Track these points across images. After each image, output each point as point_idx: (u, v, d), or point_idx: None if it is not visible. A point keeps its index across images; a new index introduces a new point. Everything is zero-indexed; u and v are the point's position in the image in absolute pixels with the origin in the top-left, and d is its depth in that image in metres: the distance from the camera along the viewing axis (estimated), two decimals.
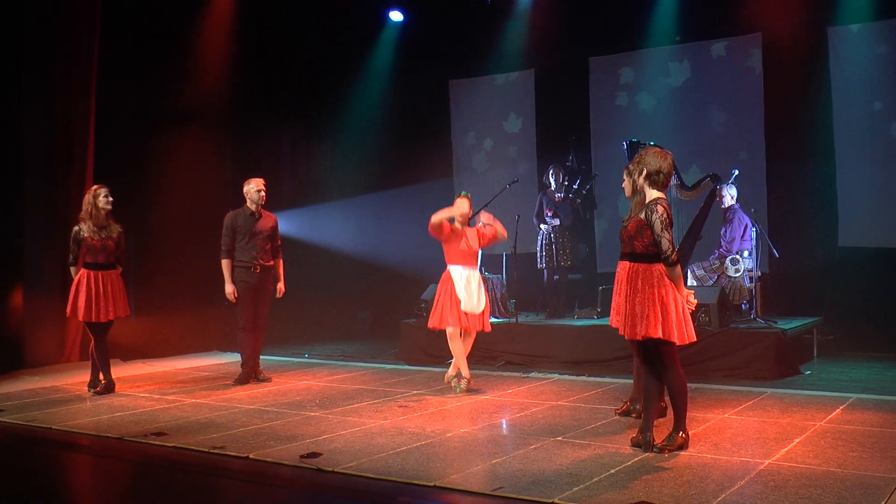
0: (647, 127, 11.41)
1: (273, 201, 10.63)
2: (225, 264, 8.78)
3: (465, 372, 8.05)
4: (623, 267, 5.63)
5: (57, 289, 10.13)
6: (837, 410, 6.70)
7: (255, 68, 12.47)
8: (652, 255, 5.47)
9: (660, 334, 5.37)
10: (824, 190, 10.46)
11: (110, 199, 8.35)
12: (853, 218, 10.33)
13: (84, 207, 8.35)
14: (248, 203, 8.76)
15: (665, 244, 5.39)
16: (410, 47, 13.08)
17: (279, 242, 9.00)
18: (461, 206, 8.11)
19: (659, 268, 5.45)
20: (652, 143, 9.07)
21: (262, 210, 8.83)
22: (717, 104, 11.21)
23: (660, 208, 5.45)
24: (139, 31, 11.10)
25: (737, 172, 9.77)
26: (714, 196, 9.58)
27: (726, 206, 9.61)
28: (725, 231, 9.60)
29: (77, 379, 9.17)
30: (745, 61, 11.03)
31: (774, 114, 10.80)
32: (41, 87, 10.39)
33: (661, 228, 5.41)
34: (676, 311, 5.42)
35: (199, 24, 11.83)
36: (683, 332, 5.45)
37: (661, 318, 5.38)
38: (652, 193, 5.59)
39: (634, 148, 8.95)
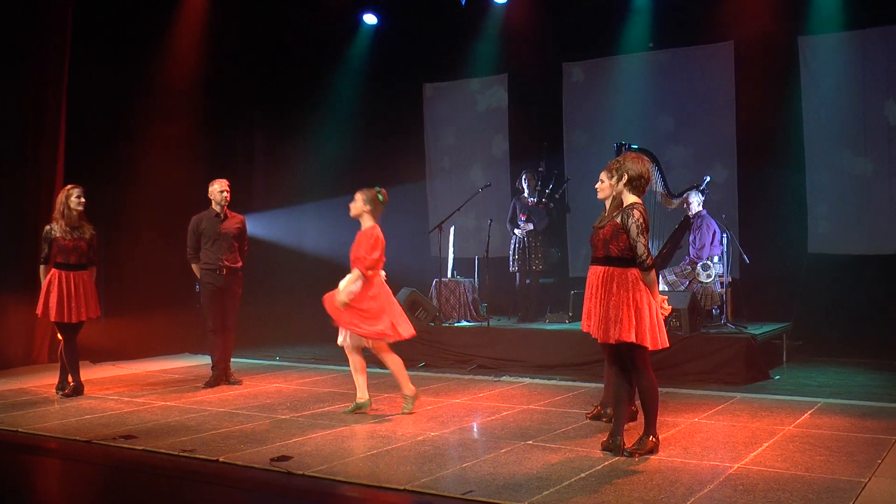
0: (620, 133, 11.43)
1: (245, 203, 10.62)
2: (194, 268, 8.77)
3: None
4: (596, 271, 5.63)
5: (25, 289, 10.01)
6: (805, 415, 6.77)
7: (229, 69, 12.40)
8: (627, 259, 5.48)
9: (633, 338, 5.39)
10: (794, 197, 10.56)
11: (83, 199, 8.29)
12: (823, 225, 10.45)
13: (56, 207, 8.29)
14: (213, 204, 8.72)
15: (641, 248, 5.41)
16: (384, 50, 13.05)
17: (246, 247, 8.95)
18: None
19: (634, 272, 5.47)
20: (635, 147, 9.18)
21: (227, 211, 8.78)
22: (689, 112, 11.28)
23: (636, 213, 5.47)
24: (111, 30, 11.01)
25: (708, 179, 9.85)
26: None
27: (693, 212, 9.66)
28: (695, 238, 9.66)
29: (45, 381, 9.07)
30: (717, 69, 11.11)
31: (746, 122, 10.89)
32: (11, 84, 10.28)
33: (637, 233, 5.43)
34: (650, 315, 5.45)
35: (173, 24, 11.75)
36: (657, 338, 5.48)
37: (634, 322, 5.40)
38: (629, 198, 5.60)
39: (619, 151, 9.03)
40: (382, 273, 7.31)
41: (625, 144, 9.22)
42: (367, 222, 7.27)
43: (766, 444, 5.79)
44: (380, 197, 7.30)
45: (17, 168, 10.34)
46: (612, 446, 5.59)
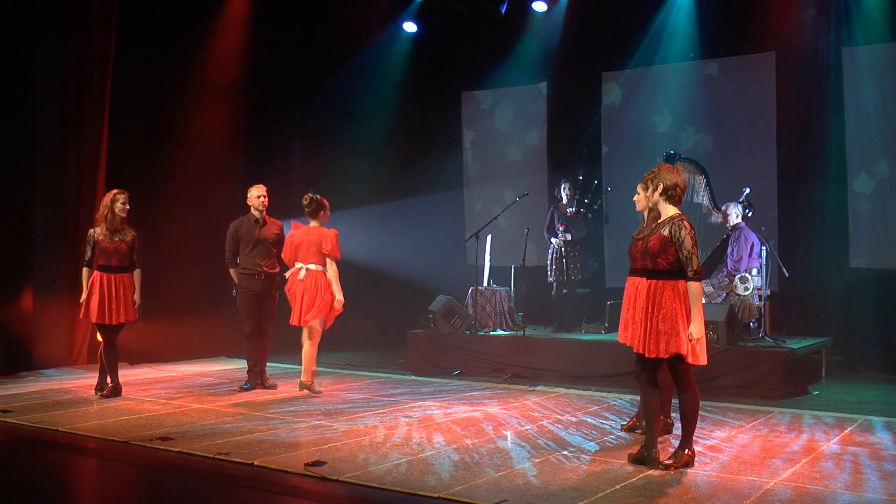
0: (659, 143, 11.39)
1: (283, 209, 10.66)
2: (231, 273, 8.85)
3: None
4: (637, 283, 5.59)
5: (66, 291, 10.17)
6: (845, 432, 6.67)
7: (267, 76, 12.53)
8: (676, 271, 5.44)
9: (685, 351, 5.36)
10: (836, 210, 10.40)
11: (127, 206, 8.42)
12: (864, 239, 10.28)
13: (101, 210, 8.42)
14: (252, 210, 8.81)
15: (695, 261, 5.38)
16: (423, 58, 13.10)
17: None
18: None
19: (683, 285, 5.42)
20: (682, 157, 9.17)
21: (266, 217, 8.86)
22: (729, 122, 11.17)
23: (687, 224, 5.45)
24: (155, 29, 11.18)
25: (748, 191, 9.75)
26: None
27: (732, 224, 9.58)
28: (732, 250, 9.57)
29: (84, 381, 9.20)
30: (758, 80, 11.00)
31: (787, 133, 10.76)
32: (55, 93, 10.47)
33: (692, 245, 5.40)
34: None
35: (212, 33, 11.90)
36: (704, 353, 5.47)
37: (685, 336, 5.37)
38: (668, 209, 5.57)
39: (672, 160, 9.01)
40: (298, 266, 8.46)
41: (674, 154, 9.18)
42: None
43: (805, 461, 5.72)
44: (304, 201, 8.57)
45: (61, 170, 10.51)
46: (648, 459, 5.54)
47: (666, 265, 5.46)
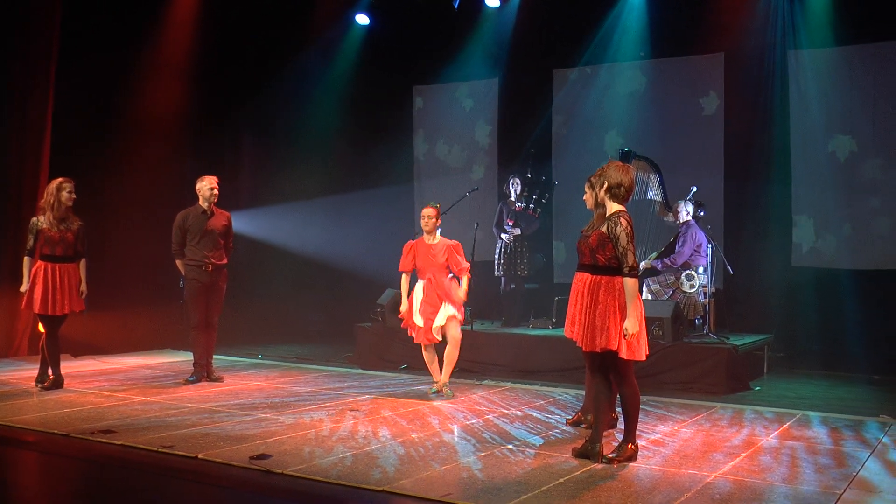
0: (608, 141, 11.52)
1: (232, 200, 10.59)
2: (178, 264, 8.75)
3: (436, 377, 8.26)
4: (582, 278, 5.65)
5: (6, 280, 9.97)
6: (784, 426, 6.81)
7: (218, 65, 12.39)
8: (614, 268, 5.50)
9: (615, 346, 5.42)
10: (779, 210, 10.60)
11: (74, 195, 8.26)
12: (806, 239, 10.50)
13: (45, 198, 8.25)
14: (201, 201, 8.70)
15: (631, 258, 5.43)
16: (375, 51, 13.06)
17: (231, 244, 8.92)
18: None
19: (621, 280, 5.48)
20: (636, 155, 9.29)
21: (214, 208, 8.76)
22: (677, 122, 11.31)
23: (623, 221, 5.49)
24: (101, 18, 10.99)
25: (695, 189, 9.90)
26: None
27: (682, 221, 9.72)
28: (679, 246, 9.70)
29: (24, 373, 9.04)
30: (706, 80, 11.15)
31: (734, 134, 10.93)
32: None
33: (627, 241, 5.45)
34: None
35: (163, 17, 11.75)
36: (641, 349, 5.52)
37: (620, 331, 5.43)
38: (612, 206, 5.63)
39: (627, 158, 9.11)
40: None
41: (629, 151, 9.27)
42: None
43: (744, 455, 5.82)
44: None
45: (1, 160, 10.29)
46: (591, 453, 5.60)
47: (604, 261, 5.53)
